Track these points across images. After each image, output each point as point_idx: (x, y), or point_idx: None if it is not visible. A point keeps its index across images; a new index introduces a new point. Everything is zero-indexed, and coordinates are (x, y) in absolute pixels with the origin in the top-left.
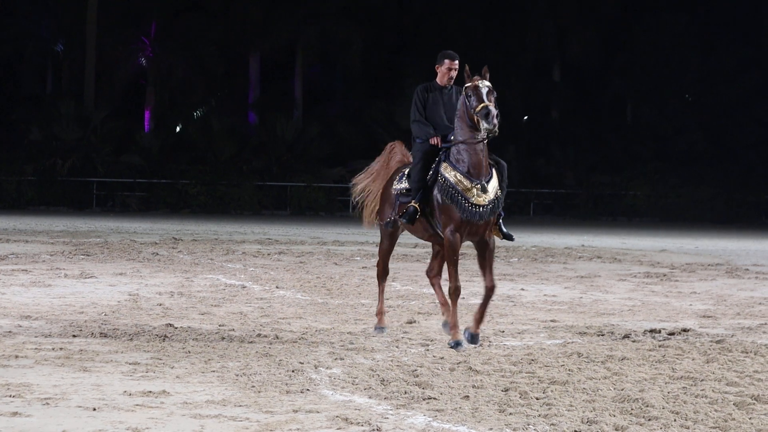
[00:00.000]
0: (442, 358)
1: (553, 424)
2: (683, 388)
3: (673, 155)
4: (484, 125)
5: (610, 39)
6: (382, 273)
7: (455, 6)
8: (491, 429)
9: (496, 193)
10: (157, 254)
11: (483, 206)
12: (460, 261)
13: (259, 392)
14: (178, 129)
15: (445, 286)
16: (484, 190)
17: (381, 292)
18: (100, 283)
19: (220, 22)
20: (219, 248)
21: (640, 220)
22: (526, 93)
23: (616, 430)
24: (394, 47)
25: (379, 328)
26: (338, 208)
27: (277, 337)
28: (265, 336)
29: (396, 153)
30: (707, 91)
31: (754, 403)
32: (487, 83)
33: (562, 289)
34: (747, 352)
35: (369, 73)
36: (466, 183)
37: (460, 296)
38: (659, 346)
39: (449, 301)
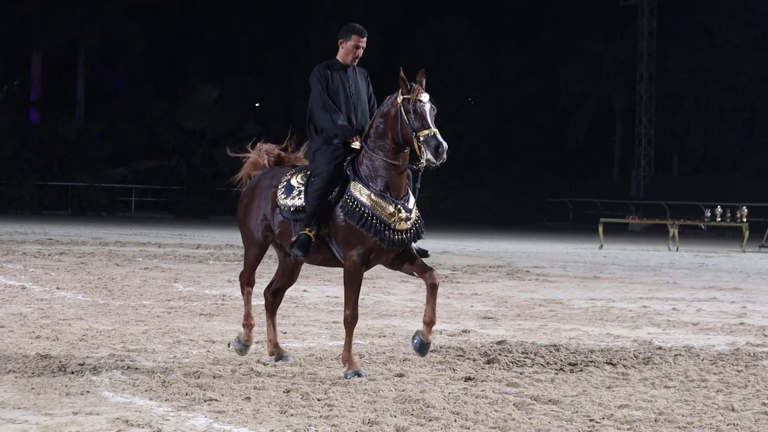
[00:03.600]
0: (223, 359)
1: (334, 425)
2: (464, 388)
3: (455, 158)
4: (427, 156)
5: (392, 42)
6: (246, 281)
7: (239, 6)
8: (272, 430)
9: (417, 214)
10: None
11: (406, 231)
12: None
13: (38, 394)
14: None
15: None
16: (407, 212)
17: (248, 300)
18: None
19: (0, 18)
20: None
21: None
22: (308, 95)
23: (397, 430)
24: (177, 47)
25: (244, 345)
26: (120, 208)
27: (57, 339)
28: (46, 338)
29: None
30: (488, 95)
31: (533, 404)
32: (427, 95)
33: None
34: (527, 353)
35: (152, 73)
36: (385, 205)
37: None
38: (440, 347)
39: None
